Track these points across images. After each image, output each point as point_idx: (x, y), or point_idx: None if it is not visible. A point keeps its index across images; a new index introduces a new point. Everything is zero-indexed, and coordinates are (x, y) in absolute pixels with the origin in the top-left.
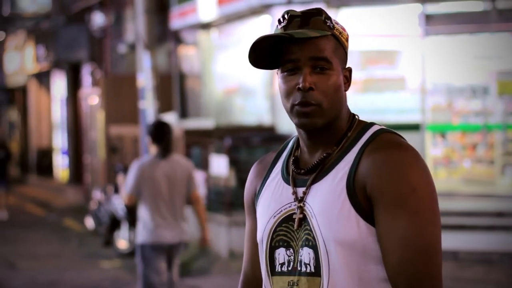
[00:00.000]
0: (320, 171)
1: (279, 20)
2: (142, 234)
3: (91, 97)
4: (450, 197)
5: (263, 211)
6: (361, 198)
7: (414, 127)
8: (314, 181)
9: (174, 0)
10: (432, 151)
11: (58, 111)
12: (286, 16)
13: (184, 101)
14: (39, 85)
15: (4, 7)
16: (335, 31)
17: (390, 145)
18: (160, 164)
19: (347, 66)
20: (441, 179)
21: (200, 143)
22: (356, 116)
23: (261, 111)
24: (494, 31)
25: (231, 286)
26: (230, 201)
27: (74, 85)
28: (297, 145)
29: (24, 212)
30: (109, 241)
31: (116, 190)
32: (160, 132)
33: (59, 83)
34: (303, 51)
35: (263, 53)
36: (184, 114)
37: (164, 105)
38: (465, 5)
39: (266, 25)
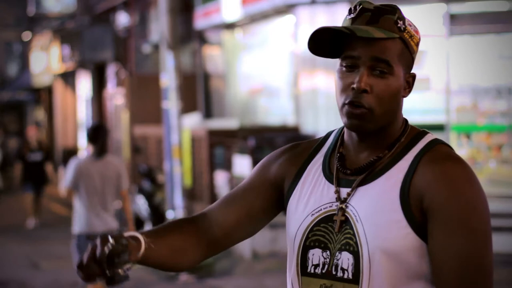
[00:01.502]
0: (369, 174)
1: (350, 10)
2: (78, 225)
3: (116, 97)
4: None
5: (299, 207)
6: (414, 210)
7: (438, 128)
8: (361, 183)
9: (198, 0)
10: (457, 152)
11: (83, 111)
12: (357, 7)
13: (208, 101)
14: (65, 85)
15: (30, 7)
16: (405, 33)
17: (449, 159)
18: (95, 163)
19: (411, 72)
20: None
21: (223, 143)
22: (408, 122)
23: (285, 112)
24: None
25: (253, 287)
26: None
27: (99, 85)
28: (341, 141)
29: (48, 211)
30: None
31: (140, 191)
32: (96, 134)
33: (84, 83)
34: (365, 50)
35: (325, 42)
36: (208, 114)
37: (189, 105)
38: (490, 5)
39: (290, 25)
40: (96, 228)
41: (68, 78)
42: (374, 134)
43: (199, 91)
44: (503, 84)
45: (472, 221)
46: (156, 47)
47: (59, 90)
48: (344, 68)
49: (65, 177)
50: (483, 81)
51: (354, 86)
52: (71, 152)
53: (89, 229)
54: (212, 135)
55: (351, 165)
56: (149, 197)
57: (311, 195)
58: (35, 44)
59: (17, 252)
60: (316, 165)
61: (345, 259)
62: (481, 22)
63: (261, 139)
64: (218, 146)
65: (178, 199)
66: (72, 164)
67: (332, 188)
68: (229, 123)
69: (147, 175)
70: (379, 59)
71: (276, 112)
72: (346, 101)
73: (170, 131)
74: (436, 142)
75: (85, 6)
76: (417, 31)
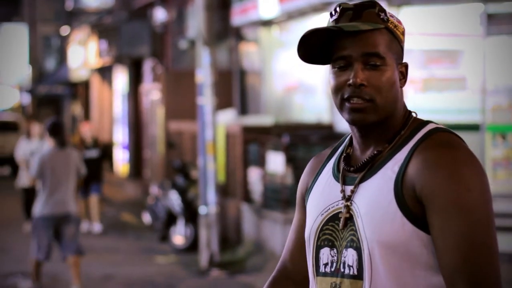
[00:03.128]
0: (369, 169)
1: (330, 13)
2: (40, 208)
3: (152, 92)
4: (510, 198)
5: (312, 208)
6: (409, 200)
7: (474, 128)
8: (363, 179)
9: None
10: (492, 152)
11: (120, 106)
12: (337, 8)
13: (244, 98)
14: (102, 79)
15: (68, 2)
16: (389, 24)
17: (442, 144)
18: (58, 154)
19: (403, 62)
20: (500, 180)
21: (257, 140)
22: (413, 114)
23: (320, 109)
24: None
25: None
26: (286, 199)
27: (136, 80)
28: (350, 142)
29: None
30: (165, 237)
31: (174, 186)
32: (55, 129)
33: (120, 78)
34: (355, 46)
35: (315, 48)
36: (244, 110)
37: (224, 102)
38: None
39: (327, 22)
40: (57, 210)
41: (105, 73)
42: (375, 128)
43: (234, 87)
44: None
45: (467, 202)
46: (192, 43)
47: (96, 84)
48: (336, 69)
49: (31, 167)
50: None
51: (350, 82)
52: (107, 146)
53: (51, 211)
54: (246, 131)
55: (356, 163)
56: (182, 192)
57: (321, 196)
58: (73, 38)
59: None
60: (328, 168)
61: (350, 256)
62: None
63: (295, 136)
64: (252, 142)
65: (211, 195)
66: (38, 156)
67: (339, 187)
68: (264, 120)
69: (181, 171)
70: (370, 53)
71: (311, 109)
72: (345, 96)
73: (205, 127)
74: (434, 131)
75: (122, 1)
76: (399, 22)
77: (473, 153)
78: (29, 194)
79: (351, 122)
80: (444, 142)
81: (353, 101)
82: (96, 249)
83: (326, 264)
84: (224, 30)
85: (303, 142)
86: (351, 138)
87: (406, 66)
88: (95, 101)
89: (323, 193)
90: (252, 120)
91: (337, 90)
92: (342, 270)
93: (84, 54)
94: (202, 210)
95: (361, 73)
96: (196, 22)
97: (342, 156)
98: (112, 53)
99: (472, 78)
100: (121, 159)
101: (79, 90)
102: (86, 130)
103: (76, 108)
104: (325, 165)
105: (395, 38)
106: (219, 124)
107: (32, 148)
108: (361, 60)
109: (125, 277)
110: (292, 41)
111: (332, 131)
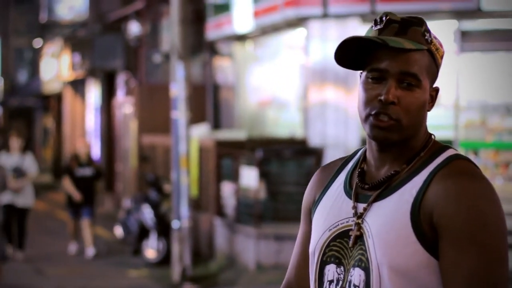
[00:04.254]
0: (385, 189)
1: (375, 21)
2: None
3: (125, 106)
4: None
5: (319, 222)
6: (425, 226)
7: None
8: (377, 198)
9: (210, 11)
10: None
11: (92, 119)
12: (384, 18)
13: (217, 112)
14: (74, 92)
15: (42, 14)
16: (432, 46)
17: (463, 173)
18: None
19: (434, 86)
20: None
21: (231, 154)
22: (432, 136)
23: (293, 124)
24: None
25: None
26: (259, 213)
27: (109, 93)
28: (363, 157)
29: (53, 218)
30: (137, 250)
31: (146, 199)
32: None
33: (93, 91)
34: (394, 62)
35: (352, 52)
36: (217, 125)
37: (198, 116)
38: (502, 22)
39: (301, 38)
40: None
41: (77, 86)
42: (395, 147)
43: (208, 102)
44: None
45: (482, 237)
46: (166, 57)
47: (69, 97)
48: (370, 80)
49: None
50: (493, 98)
51: (382, 98)
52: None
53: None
54: (220, 146)
55: (370, 180)
56: (155, 206)
57: (330, 211)
58: (46, 51)
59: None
60: (338, 182)
61: (357, 276)
62: (492, 40)
63: (269, 151)
64: (226, 157)
65: (184, 209)
66: None
67: (350, 203)
68: (237, 134)
69: (154, 184)
70: (407, 72)
71: (284, 124)
72: (372, 112)
73: (178, 141)
74: (455, 157)
75: (97, 14)
76: (441, 44)
77: (492, 185)
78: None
79: (373, 138)
80: (466, 172)
81: (379, 118)
82: (69, 262)
83: (331, 281)
84: (198, 44)
85: (276, 157)
86: (365, 152)
87: (437, 90)
88: (68, 114)
89: (332, 208)
90: (226, 134)
91: (367, 103)
92: None
93: (57, 66)
94: (175, 224)
95: (394, 91)
96: (171, 36)
97: (356, 171)
98: (85, 66)
99: (445, 95)
100: None
101: (51, 103)
102: (81, 146)
103: (48, 121)
104: (335, 179)
105: (434, 61)
106: (193, 138)
107: (13, 162)
108: (396, 78)
109: None
110: (266, 56)
111: (305, 146)
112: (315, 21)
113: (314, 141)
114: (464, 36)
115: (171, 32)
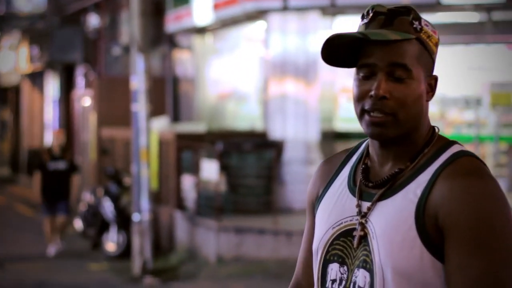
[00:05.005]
0: (389, 187)
1: (362, 15)
2: None
3: (84, 99)
4: None
5: (323, 219)
6: (430, 228)
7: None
8: (381, 197)
9: (170, 3)
10: None
11: (51, 112)
12: (370, 11)
13: (177, 105)
14: (32, 85)
15: (0, 6)
16: (422, 34)
17: (469, 172)
18: None
19: (433, 74)
20: None
21: (191, 147)
22: (436, 129)
23: (253, 117)
24: (489, 43)
25: None
26: (219, 206)
27: (67, 86)
28: (367, 152)
29: (13, 212)
30: (97, 244)
31: (106, 193)
32: None
33: (52, 84)
34: (381, 55)
35: (341, 50)
36: (176, 118)
37: (157, 109)
38: (461, 16)
39: (261, 31)
40: None
41: (36, 78)
42: (397, 142)
43: (167, 94)
44: (471, 95)
45: (490, 240)
46: (126, 50)
47: (27, 90)
48: (360, 77)
49: None
50: (452, 91)
51: (372, 93)
52: (36, 153)
53: None
54: (180, 138)
55: (374, 178)
56: (115, 199)
57: (334, 208)
58: (4, 43)
59: None
60: (342, 178)
61: (362, 277)
62: (452, 33)
63: (229, 143)
64: (186, 150)
65: (145, 202)
66: None
67: (354, 201)
68: (197, 127)
69: (114, 177)
70: (396, 63)
71: (244, 117)
72: (366, 108)
73: (139, 133)
74: (461, 154)
75: (55, 6)
76: (435, 31)
77: (498, 184)
78: None
79: (369, 136)
80: (472, 170)
81: (373, 115)
82: (29, 256)
83: (334, 281)
84: (157, 37)
85: (236, 149)
86: (367, 146)
87: (435, 79)
88: (26, 106)
89: (336, 205)
90: (186, 127)
91: (359, 100)
92: None
93: (14, 59)
94: (135, 217)
95: (384, 85)
96: (130, 28)
97: (360, 168)
98: (44, 59)
99: None
100: None
101: (9, 96)
102: (54, 138)
103: (6, 114)
104: (339, 173)
105: (426, 49)
106: (153, 131)
107: None
108: (386, 71)
109: (58, 284)
110: (226, 49)
111: (265, 138)
112: (275, 14)
113: (274, 134)
114: None
115: (130, 25)
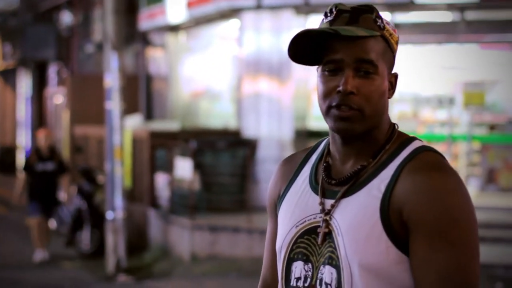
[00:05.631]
0: (352, 184)
1: (325, 13)
2: None
3: (57, 96)
4: None
5: (285, 218)
6: (395, 223)
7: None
8: (345, 194)
9: (143, 1)
10: None
11: (23, 109)
12: (333, 9)
13: (150, 103)
14: (4, 82)
15: None
16: (385, 32)
17: (433, 167)
18: None
19: (393, 72)
20: None
21: (165, 145)
22: (396, 126)
23: (227, 115)
24: (462, 42)
25: None
26: (193, 205)
27: (40, 83)
28: (328, 150)
29: None
30: (71, 241)
31: (79, 191)
32: None
33: (24, 81)
34: (348, 51)
35: (305, 47)
36: (150, 116)
37: (130, 107)
38: (434, 15)
39: (235, 29)
40: None
41: (8, 76)
42: (359, 139)
43: (141, 92)
44: (444, 94)
45: (453, 234)
46: (99, 47)
47: None
48: (326, 72)
49: None
50: (425, 90)
51: (340, 89)
52: (9, 150)
53: None
54: (153, 136)
55: (336, 175)
56: (88, 197)
57: (296, 207)
58: None
59: None
60: (303, 176)
61: (328, 274)
62: (424, 32)
63: (203, 142)
64: (160, 148)
65: (118, 200)
66: None
67: (317, 199)
68: (170, 125)
69: (87, 175)
70: (363, 59)
71: (218, 115)
72: (333, 104)
73: (112, 131)
74: (422, 149)
75: (28, 3)
76: (395, 30)
77: (461, 178)
78: None
79: (336, 131)
80: (433, 165)
81: (341, 109)
82: (2, 254)
83: (298, 278)
84: (130, 35)
85: (210, 148)
86: (328, 145)
87: (396, 76)
88: None
89: (298, 204)
90: (159, 125)
91: (325, 96)
92: (318, 287)
93: None
94: (109, 215)
95: (352, 80)
96: (103, 26)
97: (322, 166)
98: (16, 56)
99: None
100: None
101: None
102: (42, 138)
103: None
104: (299, 172)
105: (389, 47)
106: (126, 129)
107: None
108: (353, 67)
109: (31, 282)
110: (199, 47)
111: (238, 137)
112: (248, 12)
113: (247, 132)
114: (397, 28)
115: (104, 22)
